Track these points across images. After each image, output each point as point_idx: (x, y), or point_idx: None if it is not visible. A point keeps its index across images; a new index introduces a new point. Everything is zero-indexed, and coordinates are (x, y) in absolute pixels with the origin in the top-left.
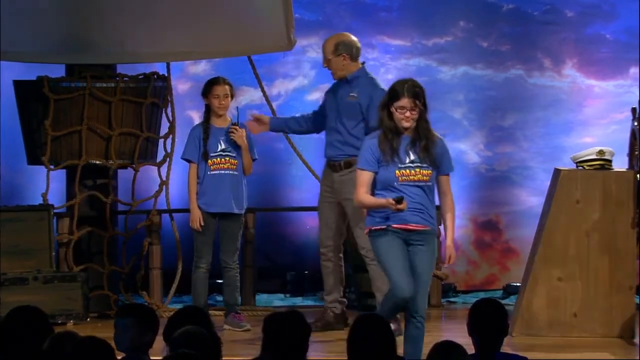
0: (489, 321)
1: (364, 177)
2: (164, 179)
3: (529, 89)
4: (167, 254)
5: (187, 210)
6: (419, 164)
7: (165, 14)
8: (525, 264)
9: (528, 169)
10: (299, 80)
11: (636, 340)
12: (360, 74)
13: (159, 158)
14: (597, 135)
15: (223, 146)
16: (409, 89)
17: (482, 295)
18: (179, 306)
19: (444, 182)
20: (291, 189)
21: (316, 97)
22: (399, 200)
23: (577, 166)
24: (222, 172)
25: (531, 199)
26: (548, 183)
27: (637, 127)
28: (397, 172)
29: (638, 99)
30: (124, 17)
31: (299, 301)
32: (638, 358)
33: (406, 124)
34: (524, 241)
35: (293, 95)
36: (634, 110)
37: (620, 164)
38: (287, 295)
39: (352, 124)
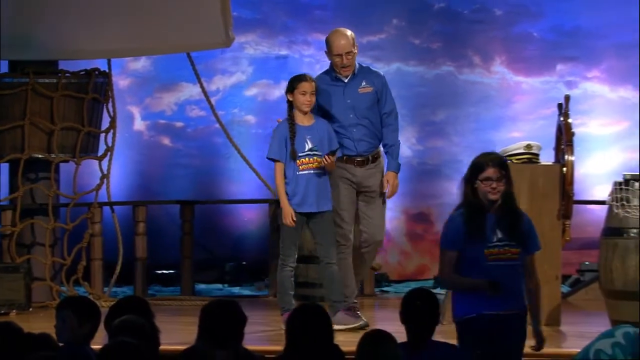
0: (421, 310)
1: (450, 257)
2: (105, 172)
3: (459, 85)
4: (108, 246)
5: (127, 203)
6: (507, 242)
7: (105, 11)
8: None
9: (458, 163)
10: (237, 76)
11: (562, 327)
12: (358, 66)
13: (100, 152)
14: (525, 130)
15: (310, 145)
16: (494, 159)
17: (413, 285)
18: (119, 296)
19: (530, 261)
20: (229, 182)
21: (253, 92)
22: (494, 285)
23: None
24: (311, 171)
25: None
26: None
27: (563, 122)
28: (485, 251)
29: (564, 95)
30: (66, 14)
31: (236, 291)
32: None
33: (493, 197)
34: None
35: (231, 91)
36: (560, 106)
37: (547, 158)
38: (226, 285)
39: (375, 115)
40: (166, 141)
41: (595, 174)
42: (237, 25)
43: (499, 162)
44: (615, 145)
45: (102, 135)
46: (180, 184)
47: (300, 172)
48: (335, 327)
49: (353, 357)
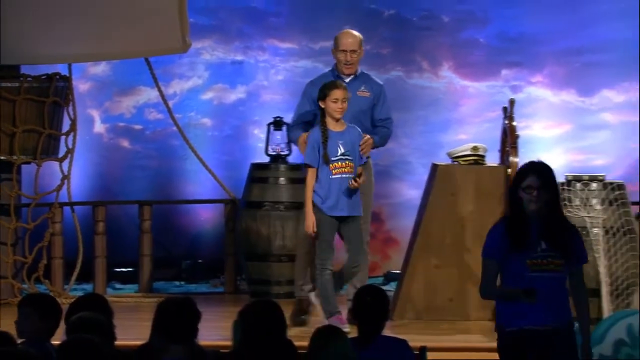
0: (371, 307)
1: (489, 266)
2: (66, 173)
3: (408, 89)
4: (68, 245)
5: (87, 203)
6: (550, 253)
7: (66, 17)
8: (405, 252)
9: (408, 164)
10: (194, 81)
11: None
12: (360, 71)
13: (61, 154)
14: (472, 132)
15: (342, 150)
16: (536, 167)
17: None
18: (79, 293)
19: (577, 274)
20: (186, 183)
21: (210, 96)
22: (530, 292)
23: (453, 161)
24: (344, 175)
25: (411, 191)
26: (426, 177)
27: (508, 124)
28: (527, 261)
29: (508, 99)
30: (27, 20)
31: (193, 288)
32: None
33: (533, 206)
34: (403, 231)
35: (188, 94)
36: (505, 109)
37: (492, 160)
38: (183, 282)
39: (367, 120)
40: (125, 143)
41: None
42: (194, 32)
43: (540, 170)
44: (558, 147)
45: (63, 138)
46: (139, 184)
47: (334, 176)
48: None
49: (305, 351)
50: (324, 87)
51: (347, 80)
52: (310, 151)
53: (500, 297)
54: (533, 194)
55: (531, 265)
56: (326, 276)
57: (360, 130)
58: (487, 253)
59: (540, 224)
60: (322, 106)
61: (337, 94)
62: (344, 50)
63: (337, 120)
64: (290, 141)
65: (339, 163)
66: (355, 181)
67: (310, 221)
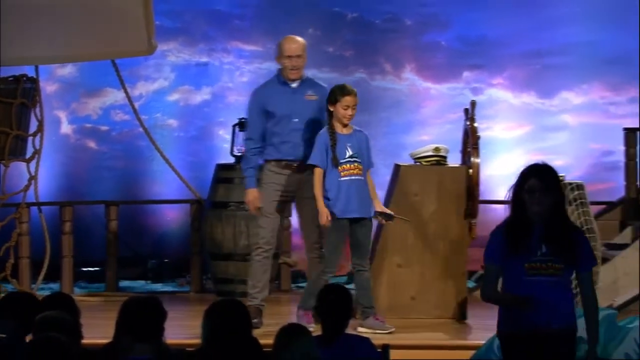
0: (335, 305)
1: (490, 271)
2: (33, 174)
3: (372, 91)
4: (35, 244)
5: (54, 203)
6: (550, 257)
7: (33, 20)
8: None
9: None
10: (160, 83)
11: (467, 321)
12: (305, 76)
13: (28, 154)
14: (434, 133)
15: (351, 152)
16: (538, 169)
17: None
18: (46, 293)
19: (584, 279)
20: (152, 183)
21: (175, 98)
22: (526, 300)
23: (415, 162)
24: (352, 177)
25: None
26: (389, 178)
27: (469, 126)
28: (526, 265)
29: (470, 101)
30: None
31: (159, 287)
32: (469, 337)
33: (536, 208)
34: None
35: (154, 96)
36: (466, 110)
37: (454, 160)
38: (149, 281)
39: (316, 124)
40: (92, 144)
41: (500, 175)
42: (160, 34)
43: (543, 172)
44: (518, 148)
45: (30, 139)
46: (106, 185)
47: (342, 178)
48: (365, 330)
49: (270, 349)
50: (334, 91)
51: (294, 85)
52: (318, 153)
53: (498, 303)
54: (535, 196)
55: (529, 269)
56: (325, 278)
57: (367, 134)
58: (487, 258)
59: (542, 227)
60: (331, 109)
61: (348, 100)
62: (289, 56)
63: (345, 125)
64: (242, 169)
65: (348, 165)
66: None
67: (323, 212)
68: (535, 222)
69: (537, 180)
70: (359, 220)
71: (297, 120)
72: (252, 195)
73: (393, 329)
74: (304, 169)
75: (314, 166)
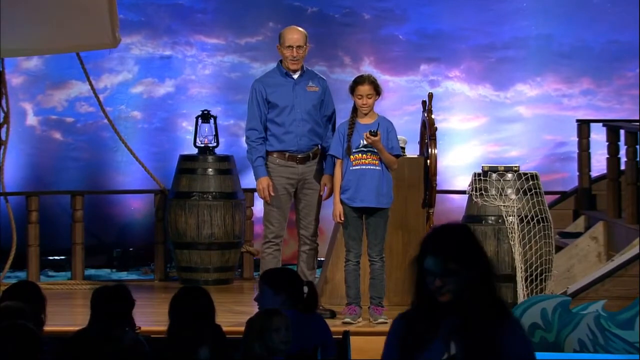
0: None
1: None
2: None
3: (331, 83)
4: (1, 234)
5: (21, 194)
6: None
7: None
8: (329, 241)
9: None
10: (124, 75)
11: None
12: (305, 68)
13: None
14: None
15: (364, 142)
16: (436, 243)
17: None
18: (13, 281)
19: None
20: (117, 174)
21: (139, 90)
22: None
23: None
24: (364, 167)
25: None
26: None
27: (427, 118)
28: None
29: (427, 93)
30: None
31: (124, 275)
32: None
33: (439, 297)
34: (329, 220)
35: (118, 88)
36: (423, 103)
37: (412, 151)
38: (114, 270)
39: (317, 115)
40: (57, 135)
41: (456, 165)
42: (123, 27)
43: (443, 249)
44: (475, 139)
45: None
46: (71, 175)
47: (353, 168)
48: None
49: (234, 337)
50: (352, 82)
51: (295, 76)
52: (336, 143)
53: None
54: (433, 282)
55: None
56: (348, 267)
57: (390, 122)
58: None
59: (453, 319)
60: (353, 99)
61: (361, 90)
62: (290, 46)
63: (365, 114)
64: (249, 159)
65: (360, 155)
66: (369, 135)
67: (336, 210)
68: (446, 311)
69: (435, 261)
70: (371, 210)
71: (299, 111)
72: (264, 182)
73: (382, 320)
74: (306, 160)
75: (332, 157)
